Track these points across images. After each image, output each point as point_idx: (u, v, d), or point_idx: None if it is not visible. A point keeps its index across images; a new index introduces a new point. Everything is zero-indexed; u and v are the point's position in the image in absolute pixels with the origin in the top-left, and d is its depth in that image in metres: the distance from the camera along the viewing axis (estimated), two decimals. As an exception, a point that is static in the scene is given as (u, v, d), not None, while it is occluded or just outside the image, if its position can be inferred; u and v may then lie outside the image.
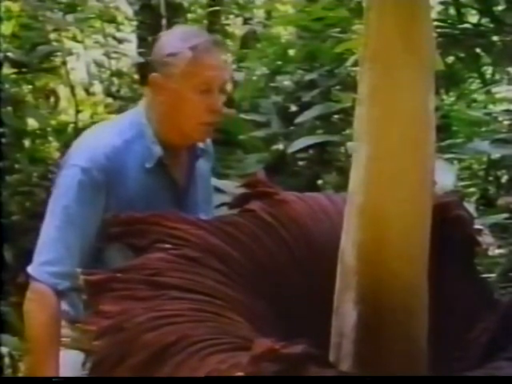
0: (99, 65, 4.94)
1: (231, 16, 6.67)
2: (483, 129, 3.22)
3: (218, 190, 2.41)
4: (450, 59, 3.47)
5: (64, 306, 1.93)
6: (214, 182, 2.28)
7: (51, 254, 1.79)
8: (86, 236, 1.79)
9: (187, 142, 1.89)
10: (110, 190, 1.80)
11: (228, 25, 6.61)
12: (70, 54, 4.56)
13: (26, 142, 4.01)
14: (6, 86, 3.70)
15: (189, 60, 1.80)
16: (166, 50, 1.84)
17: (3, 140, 3.54)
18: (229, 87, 3.97)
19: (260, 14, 6.45)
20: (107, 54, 5.02)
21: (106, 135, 1.88)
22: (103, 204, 1.80)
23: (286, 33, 5.47)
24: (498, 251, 2.86)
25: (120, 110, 3.95)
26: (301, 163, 3.54)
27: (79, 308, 1.86)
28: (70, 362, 1.81)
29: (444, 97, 3.54)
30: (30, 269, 1.81)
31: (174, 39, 1.87)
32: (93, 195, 1.79)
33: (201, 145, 1.94)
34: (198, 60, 1.80)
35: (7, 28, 3.98)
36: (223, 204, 2.21)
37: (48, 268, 1.78)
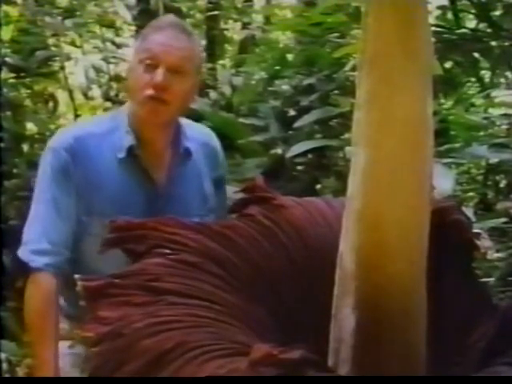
0: (98, 69, 4.95)
1: (230, 21, 6.69)
2: (481, 133, 3.23)
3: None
4: (448, 64, 3.48)
5: (60, 302, 1.95)
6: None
7: (29, 234, 1.87)
8: (60, 215, 1.85)
9: (146, 126, 1.88)
10: (78, 172, 1.84)
11: (227, 29, 6.63)
12: (69, 58, 4.58)
13: (25, 147, 4.01)
14: (5, 90, 3.70)
15: (142, 36, 1.87)
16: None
17: (2, 145, 3.54)
18: (227, 91, 3.98)
19: (259, 18, 6.47)
20: (106, 59, 5.03)
21: (83, 123, 1.96)
22: (74, 186, 1.84)
23: (284, 37, 5.49)
24: (496, 255, 2.87)
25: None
26: (299, 168, 3.55)
27: (75, 303, 1.88)
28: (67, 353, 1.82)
29: (442, 101, 3.55)
30: (18, 252, 1.87)
31: (150, 23, 1.93)
32: (62, 176, 1.86)
33: (187, 144, 1.94)
34: (149, 36, 1.86)
35: (6, 33, 3.99)
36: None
37: (27, 247, 1.87)
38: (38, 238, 1.84)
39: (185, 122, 1.97)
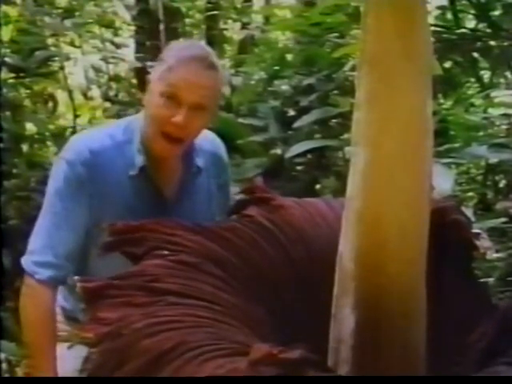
0: (97, 70, 4.95)
1: (229, 21, 6.69)
2: (481, 133, 3.23)
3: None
4: (448, 64, 3.48)
5: (60, 301, 1.95)
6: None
7: (34, 244, 1.84)
8: (69, 229, 1.82)
9: (160, 152, 1.84)
10: (93, 186, 1.82)
11: (226, 29, 6.63)
12: (68, 58, 4.57)
13: (24, 147, 4.01)
14: (5, 90, 3.70)
15: (167, 66, 1.79)
16: (164, 55, 1.85)
17: (1, 145, 3.54)
18: (226, 91, 3.98)
19: (258, 18, 6.47)
20: (105, 59, 5.03)
21: (97, 134, 1.92)
22: (87, 200, 1.82)
23: (283, 38, 5.49)
24: (496, 255, 2.86)
25: (118, 115, 3.96)
26: (299, 168, 3.55)
27: (74, 302, 1.87)
28: (70, 363, 1.82)
29: (442, 101, 3.55)
30: (21, 260, 1.85)
31: (177, 48, 1.87)
32: (76, 189, 1.82)
33: (199, 163, 1.93)
34: (175, 68, 1.78)
35: (5, 33, 3.99)
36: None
37: (31, 257, 1.84)
38: (44, 249, 1.81)
39: None
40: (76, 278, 1.84)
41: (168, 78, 1.78)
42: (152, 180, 1.87)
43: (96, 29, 5.25)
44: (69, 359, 1.82)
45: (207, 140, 1.98)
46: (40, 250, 1.81)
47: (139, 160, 1.84)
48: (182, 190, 1.91)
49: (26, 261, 1.83)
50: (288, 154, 3.12)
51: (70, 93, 4.69)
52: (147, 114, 1.83)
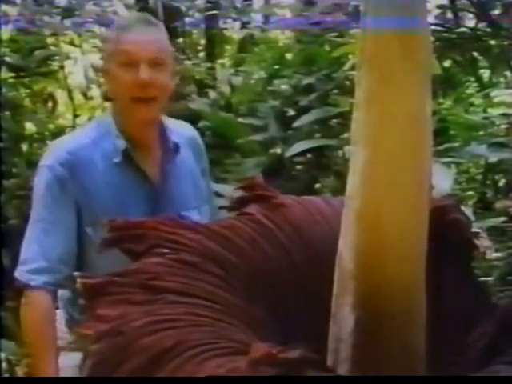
0: (97, 69, 4.95)
1: (229, 20, 6.68)
2: (481, 132, 3.23)
3: (216, 194, 2.42)
4: (448, 63, 3.48)
5: (62, 313, 1.95)
6: (212, 186, 2.30)
7: (26, 254, 1.86)
8: (59, 233, 1.84)
9: (137, 126, 1.90)
10: (76, 185, 1.84)
11: (226, 29, 6.62)
12: (68, 58, 4.58)
13: (24, 146, 4.01)
14: (4, 90, 3.71)
15: (112, 39, 1.88)
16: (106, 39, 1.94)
17: (1, 144, 3.55)
18: (226, 90, 3.98)
19: (258, 18, 6.46)
20: (105, 59, 5.02)
21: (72, 136, 1.98)
22: (73, 200, 1.84)
23: (283, 37, 5.49)
24: (495, 254, 2.86)
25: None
26: (299, 167, 3.55)
27: (75, 313, 1.87)
28: (70, 366, 1.82)
29: (441, 100, 3.55)
30: (15, 273, 1.86)
31: (116, 26, 1.94)
32: (59, 192, 1.84)
33: (174, 139, 1.95)
34: (119, 37, 1.86)
35: (5, 32, 3.99)
36: (221, 207, 2.22)
37: (24, 267, 1.85)
38: (36, 257, 1.82)
39: (165, 118, 2.00)
40: (76, 274, 1.85)
41: (118, 47, 1.85)
42: (136, 165, 1.90)
43: (96, 28, 5.25)
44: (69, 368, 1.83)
45: (182, 126, 2.06)
46: (32, 258, 1.82)
47: (120, 144, 1.87)
48: (164, 171, 1.94)
49: (19, 272, 1.84)
50: (288, 154, 3.13)
51: (70, 92, 4.70)
52: (114, 94, 1.88)
